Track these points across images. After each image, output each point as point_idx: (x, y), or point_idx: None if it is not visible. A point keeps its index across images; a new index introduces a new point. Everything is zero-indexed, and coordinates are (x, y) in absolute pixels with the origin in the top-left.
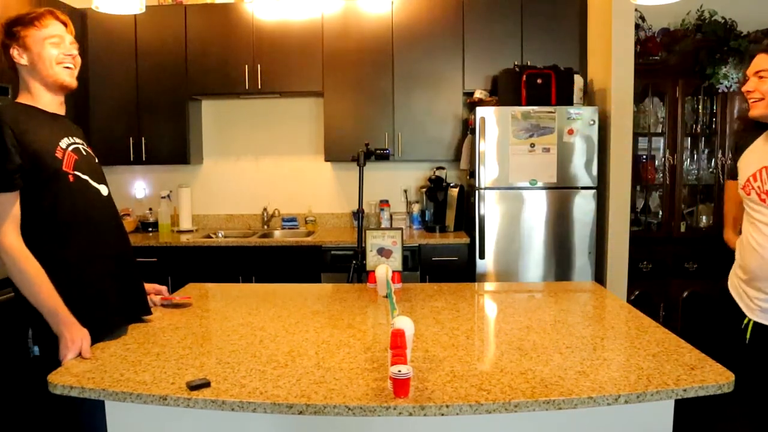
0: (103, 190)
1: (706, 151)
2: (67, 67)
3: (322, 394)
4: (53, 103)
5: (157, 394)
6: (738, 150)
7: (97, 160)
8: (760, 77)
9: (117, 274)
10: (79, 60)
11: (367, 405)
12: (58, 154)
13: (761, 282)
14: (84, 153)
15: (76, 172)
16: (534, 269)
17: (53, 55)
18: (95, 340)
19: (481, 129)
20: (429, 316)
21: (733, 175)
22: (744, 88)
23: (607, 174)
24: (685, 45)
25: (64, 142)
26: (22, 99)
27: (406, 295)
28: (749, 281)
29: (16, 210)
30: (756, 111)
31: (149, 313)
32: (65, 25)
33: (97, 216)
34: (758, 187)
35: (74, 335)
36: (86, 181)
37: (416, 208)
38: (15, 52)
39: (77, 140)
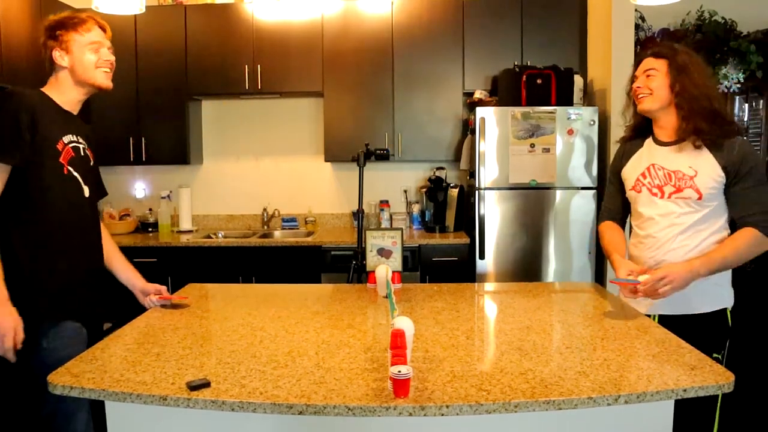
0: (87, 191)
1: None
2: (105, 71)
3: (322, 394)
4: (74, 101)
5: (157, 395)
6: (625, 156)
7: (92, 164)
8: (648, 76)
9: (82, 277)
10: (114, 63)
11: (367, 405)
12: (59, 146)
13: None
14: (82, 153)
15: (70, 167)
16: (534, 269)
17: (93, 60)
18: (36, 320)
19: (481, 129)
20: (429, 317)
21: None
22: (634, 85)
23: (607, 174)
24: (685, 45)
25: (66, 138)
26: (48, 90)
27: (406, 295)
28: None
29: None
30: (644, 105)
31: (104, 322)
32: (104, 30)
33: (78, 216)
34: (649, 183)
35: (6, 322)
36: (75, 177)
37: (416, 209)
38: (57, 54)
39: (80, 140)
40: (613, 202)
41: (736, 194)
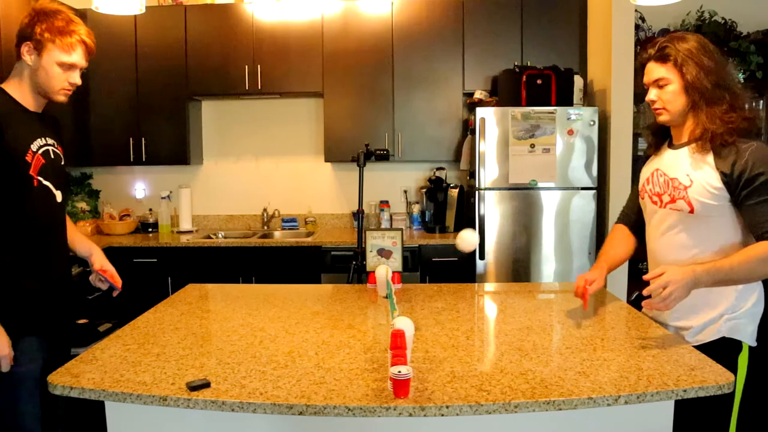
0: (59, 196)
1: None
2: (66, 92)
3: (322, 394)
4: (39, 104)
5: (157, 395)
6: (648, 160)
7: (63, 162)
8: (660, 86)
9: (49, 292)
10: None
11: (367, 405)
12: (29, 158)
13: None
14: (52, 156)
15: (40, 178)
16: (534, 270)
17: (60, 79)
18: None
19: (481, 129)
20: (429, 317)
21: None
22: (647, 98)
23: (607, 175)
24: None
25: (35, 145)
26: (10, 87)
27: (406, 295)
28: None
29: None
30: (662, 118)
31: (69, 342)
32: (90, 53)
33: (48, 226)
34: (650, 190)
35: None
36: (47, 187)
37: (416, 209)
38: (25, 49)
39: (49, 141)
40: (630, 205)
41: (751, 208)
